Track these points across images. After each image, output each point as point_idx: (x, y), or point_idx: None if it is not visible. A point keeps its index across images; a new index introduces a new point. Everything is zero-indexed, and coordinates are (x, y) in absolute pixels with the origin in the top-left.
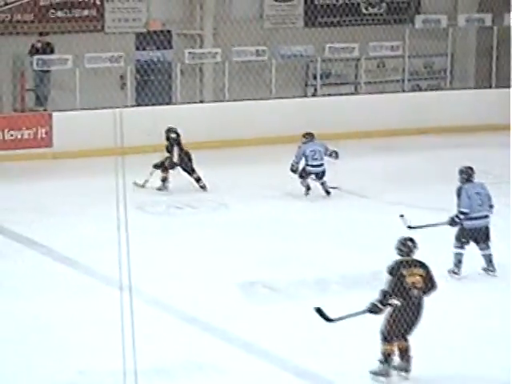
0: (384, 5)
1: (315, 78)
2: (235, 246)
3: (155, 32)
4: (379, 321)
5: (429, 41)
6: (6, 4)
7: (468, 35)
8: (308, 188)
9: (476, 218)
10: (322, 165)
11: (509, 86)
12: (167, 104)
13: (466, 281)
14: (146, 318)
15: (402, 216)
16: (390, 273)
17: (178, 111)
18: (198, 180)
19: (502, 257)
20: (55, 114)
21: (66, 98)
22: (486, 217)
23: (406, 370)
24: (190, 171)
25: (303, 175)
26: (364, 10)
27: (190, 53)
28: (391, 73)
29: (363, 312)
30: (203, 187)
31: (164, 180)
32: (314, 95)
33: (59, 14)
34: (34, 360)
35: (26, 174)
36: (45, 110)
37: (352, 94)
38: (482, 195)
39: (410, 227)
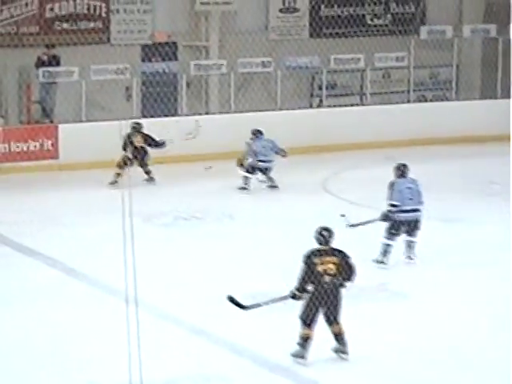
0: (389, 16)
1: (321, 88)
2: (242, 256)
3: (160, 44)
4: None
5: (434, 52)
6: (12, 16)
7: (473, 46)
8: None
9: (407, 211)
10: (271, 161)
11: None
12: (173, 116)
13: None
14: (153, 329)
15: (342, 215)
16: (303, 261)
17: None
18: (147, 173)
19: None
20: (61, 126)
21: (72, 109)
22: (417, 210)
23: (343, 351)
24: (143, 165)
25: (250, 171)
26: (369, 21)
27: (195, 64)
28: (397, 84)
29: (284, 298)
30: (150, 179)
31: (118, 175)
32: (319, 106)
33: (65, 26)
34: (41, 371)
35: (33, 185)
36: (51, 122)
37: (358, 104)
38: (413, 190)
39: (350, 225)
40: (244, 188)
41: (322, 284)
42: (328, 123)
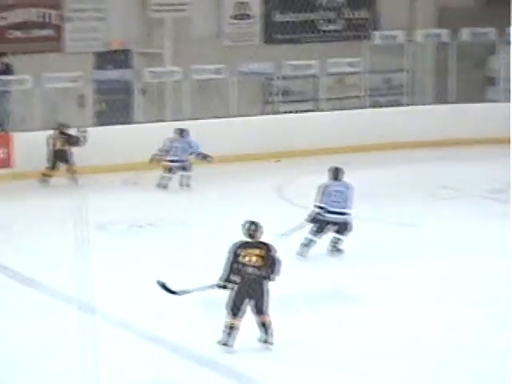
0: (342, 21)
1: (275, 95)
2: (195, 263)
3: (115, 51)
4: None
5: (387, 57)
6: None
7: (426, 51)
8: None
9: (333, 212)
10: (183, 161)
11: (464, 102)
12: (128, 123)
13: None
14: (109, 338)
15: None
16: (228, 251)
17: (138, 130)
18: (71, 173)
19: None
20: (15, 135)
21: (26, 118)
22: (343, 214)
23: (268, 341)
24: (68, 167)
25: (168, 171)
26: (322, 27)
27: (149, 72)
28: (350, 89)
29: (212, 287)
30: (74, 181)
31: (44, 175)
32: (273, 112)
33: (18, 34)
34: None
35: None
36: (5, 131)
37: (312, 110)
38: (342, 193)
39: (282, 235)
40: (163, 186)
41: (244, 275)
42: (282, 129)
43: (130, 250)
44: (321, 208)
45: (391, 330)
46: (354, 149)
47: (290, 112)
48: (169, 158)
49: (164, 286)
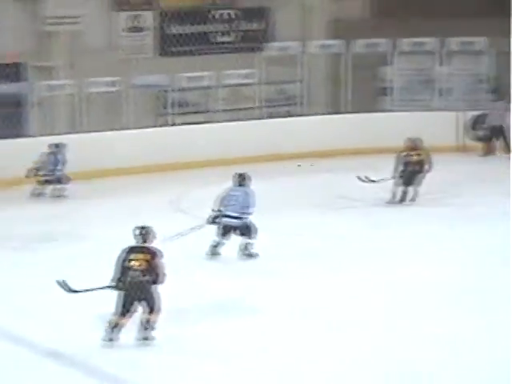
0: (236, 33)
1: (170, 107)
2: (92, 277)
3: (8, 65)
4: None
5: (282, 68)
6: None
7: (320, 61)
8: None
9: (229, 216)
10: (52, 174)
11: (358, 112)
12: (22, 137)
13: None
14: (6, 353)
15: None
16: (118, 256)
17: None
18: None
19: None
20: None
21: None
22: (240, 217)
23: (147, 338)
24: None
25: (42, 183)
26: (216, 39)
27: (44, 85)
28: (246, 100)
29: (103, 288)
30: None
31: None
32: (169, 124)
33: None
34: None
35: None
36: None
37: (207, 122)
38: (238, 198)
39: (177, 235)
40: (38, 194)
41: (130, 278)
42: (178, 141)
43: (26, 266)
44: (219, 211)
45: (287, 343)
46: (250, 159)
47: (186, 124)
48: (42, 172)
49: (63, 285)
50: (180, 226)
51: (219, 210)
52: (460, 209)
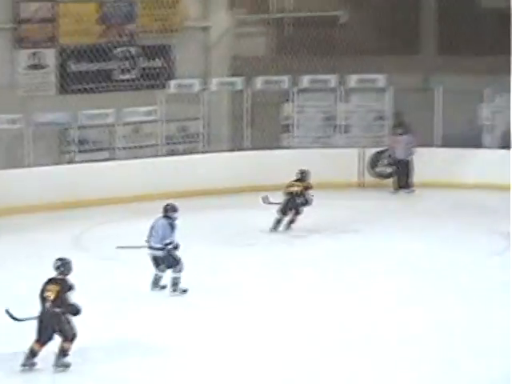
0: (137, 70)
1: (71, 144)
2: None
3: None
4: None
5: (183, 105)
6: None
7: (221, 98)
8: None
9: (152, 248)
10: None
11: (260, 149)
12: None
13: None
14: None
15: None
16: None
17: None
18: None
19: None
20: None
21: None
22: (162, 249)
23: (61, 365)
24: None
25: None
26: (118, 77)
27: None
28: (147, 138)
29: (35, 318)
30: None
31: None
32: (70, 162)
33: None
34: None
35: None
36: None
37: (109, 159)
38: (158, 229)
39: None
40: None
41: (44, 308)
42: (80, 178)
43: None
44: (146, 241)
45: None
46: (152, 196)
47: (87, 161)
48: None
49: (9, 313)
50: (81, 264)
51: (147, 241)
52: (354, 244)
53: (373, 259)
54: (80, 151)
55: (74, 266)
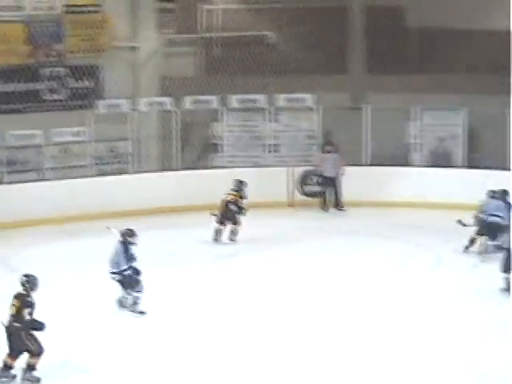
0: (65, 91)
1: (0, 165)
2: None
3: None
4: None
5: (112, 125)
6: None
7: (150, 119)
8: None
9: (112, 272)
10: None
11: (191, 168)
12: None
13: None
14: None
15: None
16: None
17: None
18: None
19: None
20: None
21: None
22: (118, 273)
23: (28, 379)
24: None
25: None
26: (46, 97)
27: None
28: (76, 158)
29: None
30: None
31: None
32: None
33: None
34: None
35: None
36: None
37: (38, 180)
38: (114, 254)
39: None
40: None
41: (9, 322)
42: (7, 200)
43: None
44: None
45: None
46: (81, 217)
47: (15, 182)
48: None
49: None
50: (9, 285)
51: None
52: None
53: (300, 276)
54: (8, 172)
55: (3, 288)
